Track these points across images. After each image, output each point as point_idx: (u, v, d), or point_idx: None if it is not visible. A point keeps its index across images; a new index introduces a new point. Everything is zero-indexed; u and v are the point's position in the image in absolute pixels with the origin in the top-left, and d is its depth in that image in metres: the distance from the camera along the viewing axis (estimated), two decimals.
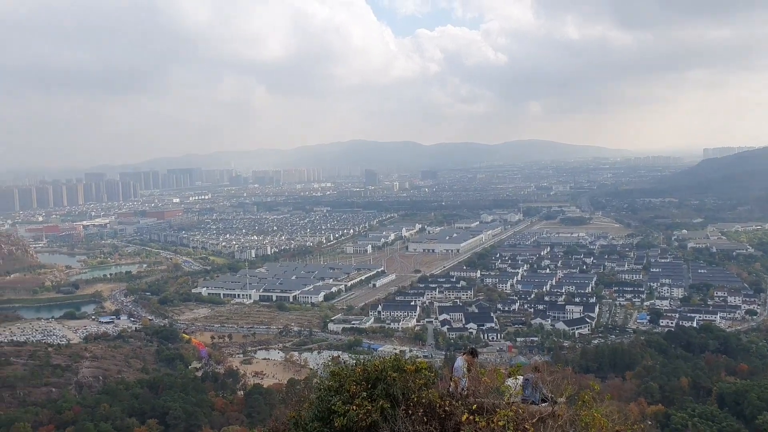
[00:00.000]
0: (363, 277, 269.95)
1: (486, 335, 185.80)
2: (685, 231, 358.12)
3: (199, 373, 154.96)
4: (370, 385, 17.35)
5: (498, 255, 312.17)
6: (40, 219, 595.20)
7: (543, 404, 17.73)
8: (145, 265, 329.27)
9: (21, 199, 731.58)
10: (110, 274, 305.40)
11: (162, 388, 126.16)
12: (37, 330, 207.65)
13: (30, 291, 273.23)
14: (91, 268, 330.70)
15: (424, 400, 16.79)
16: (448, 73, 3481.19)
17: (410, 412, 16.54)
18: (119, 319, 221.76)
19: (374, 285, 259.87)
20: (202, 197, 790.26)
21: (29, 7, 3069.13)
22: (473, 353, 20.10)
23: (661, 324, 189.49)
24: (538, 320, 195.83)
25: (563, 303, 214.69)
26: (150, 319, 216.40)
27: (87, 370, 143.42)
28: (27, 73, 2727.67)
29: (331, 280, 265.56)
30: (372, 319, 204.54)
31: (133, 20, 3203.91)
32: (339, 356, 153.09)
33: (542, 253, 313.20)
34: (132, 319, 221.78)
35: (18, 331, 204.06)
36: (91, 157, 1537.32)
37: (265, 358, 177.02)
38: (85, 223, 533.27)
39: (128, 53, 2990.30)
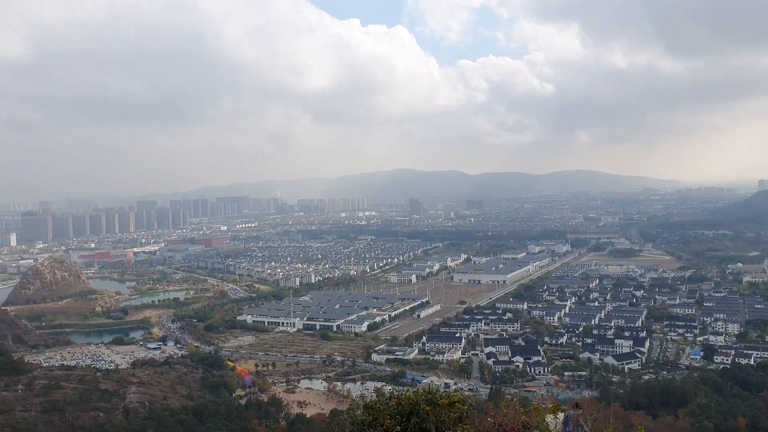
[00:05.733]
0: (407, 308, 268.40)
1: (533, 369, 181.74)
2: (740, 264, 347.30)
3: (243, 401, 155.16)
4: (404, 419, 17.18)
5: (545, 287, 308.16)
6: (93, 246, 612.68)
7: None
8: (192, 292, 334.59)
9: (75, 226, 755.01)
10: (158, 301, 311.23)
11: (206, 416, 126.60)
12: (86, 355, 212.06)
13: (81, 316, 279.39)
14: (140, 294, 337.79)
15: None
16: (493, 103, 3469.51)
17: None
18: (166, 345, 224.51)
19: (419, 315, 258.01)
20: (249, 225, 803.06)
21: (82, 39, 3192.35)
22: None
23: (716, 361, 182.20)
24: (586, 354, 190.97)
25: (612, 337, 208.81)
26: (196, 346, 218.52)
27: (134, 395, 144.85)
28: (81, 103, 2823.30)
29: (375, 309, 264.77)
30: (416, 351, 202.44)
31: (182, 51, 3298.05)
32: (382, 388, 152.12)
33: (591, 286, 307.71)
34: (178, 345, 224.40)
35: (69, 356, 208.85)
36: (142, 186, 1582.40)
37: (308, 388, 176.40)
38: (135, 250, 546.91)
39: (178, 83, 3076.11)
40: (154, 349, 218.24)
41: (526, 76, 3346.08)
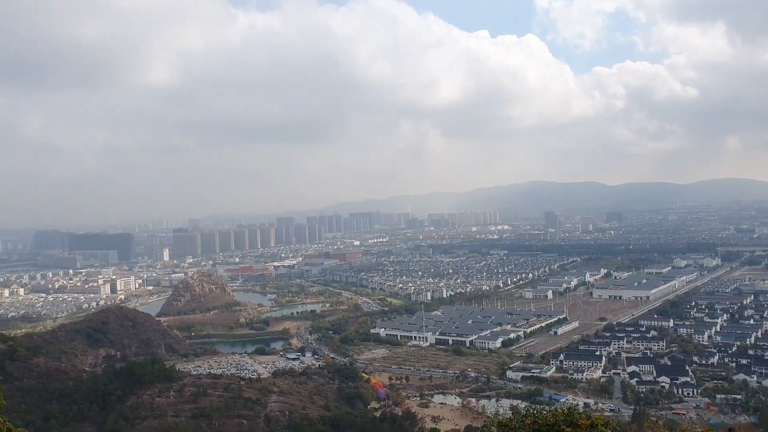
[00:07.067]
0: (543, 324, 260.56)
1: (680, 390, 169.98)
2: None
3: (378, 414, 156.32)
4: None
5: (693, 303, 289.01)
6: (237, 260, 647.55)
7: None
8: (328, 305, 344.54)
9: (221, 241, 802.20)
10: (297, 313, 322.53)
11: (343, 427, 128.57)
12: (231, 364, 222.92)
13: (226, 327, 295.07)
14: (280, 307, 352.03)
15: None
16: (632, 110, 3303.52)
17: None
18: (304, 355, 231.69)
19: (555, 332, 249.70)
20: (381, 240, 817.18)
21: (223, 66, 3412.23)
22: None
23: None
24: (741, 376, 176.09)
25: None
26: (332, 357, 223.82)
27: (275, 404, 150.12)
28: (223, 126, 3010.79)
29: (509, 325, 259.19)
30: (553, 368, 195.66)
31: (316, 74, 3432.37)
32: (517, 405, 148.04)
33: (745, 302, 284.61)
34: (316, 356, 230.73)
35: (215, 365, 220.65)
36: (281, 203, 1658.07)
37: (441, 403, 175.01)
38: (275, 263, 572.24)
39: (313, 105, 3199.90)
40: (293, 359, 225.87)
41: (666, 80, 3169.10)
